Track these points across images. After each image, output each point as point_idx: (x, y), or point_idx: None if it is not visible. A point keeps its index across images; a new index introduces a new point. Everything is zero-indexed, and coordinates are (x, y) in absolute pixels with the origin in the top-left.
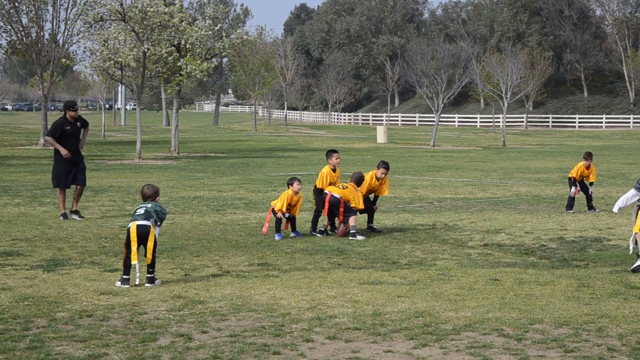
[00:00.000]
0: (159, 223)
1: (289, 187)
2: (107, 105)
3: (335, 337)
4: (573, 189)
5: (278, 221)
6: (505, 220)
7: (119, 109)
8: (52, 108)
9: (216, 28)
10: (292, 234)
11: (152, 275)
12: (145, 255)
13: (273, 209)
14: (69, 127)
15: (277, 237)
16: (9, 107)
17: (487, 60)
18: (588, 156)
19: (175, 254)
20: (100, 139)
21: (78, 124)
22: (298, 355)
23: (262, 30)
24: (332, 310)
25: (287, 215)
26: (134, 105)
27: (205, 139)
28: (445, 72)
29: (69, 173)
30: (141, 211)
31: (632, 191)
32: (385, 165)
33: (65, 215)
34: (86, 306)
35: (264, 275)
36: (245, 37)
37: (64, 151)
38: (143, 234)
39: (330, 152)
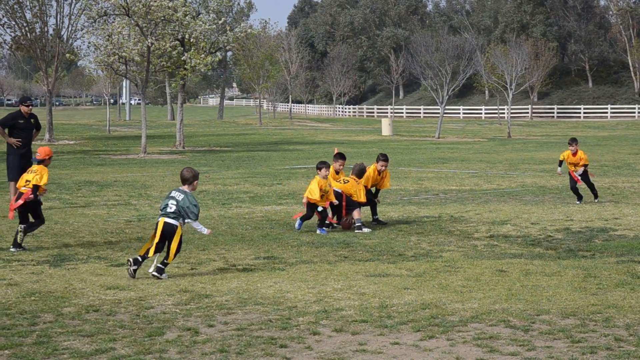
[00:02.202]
0: (189, 219)
1: (317, 172)
2: (111, 100)
3: (342, 330)
4: (559, 169)
5: (323, 214)
6: (511, 211)
7: (123, 103)
8: (57, 103)
9: (220, 22)
10: (318, 231)
11: (163, 267)
12: (167, 252)
13: (309, 202)
14: (22, 121)
15: (320, 231)
16: (14, 102)
17: (491, 52)
18: (572, 142)
19: (181, 248)
20: (105, 133)
21: (32, 120)
22: (305, 348)
23: (266, 23)
24: (338, 302)
25: (335, 202)
26: (139, 99)
27: (210, 132)
28: (449, 63)
29: (21, 166)
30: (172, 208)
31: None
32: (384, 158)
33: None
34: (93, 301)
35: (270, 268)
36: (249, 30)
37: (11, 140)
38: (169, 233)
39: (336, 157)
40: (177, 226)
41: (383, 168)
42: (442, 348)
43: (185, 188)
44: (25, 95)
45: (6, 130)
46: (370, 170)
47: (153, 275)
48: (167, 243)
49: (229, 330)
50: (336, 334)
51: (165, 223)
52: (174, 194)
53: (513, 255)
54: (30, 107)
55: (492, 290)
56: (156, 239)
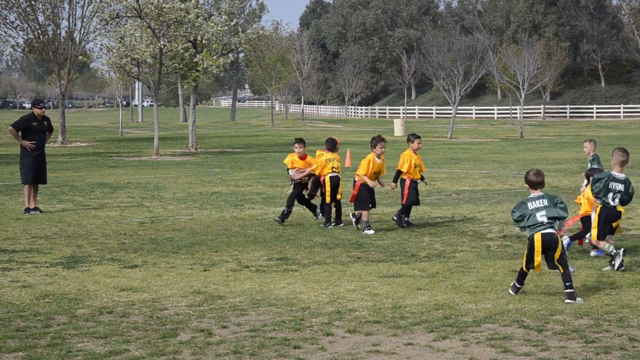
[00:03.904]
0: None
1: (372, 149)
2: (124, 102)
3: (355, 331)
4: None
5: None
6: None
7: (136, 105)
8: (70, 106)
9: (232, 23)
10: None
11: (572, 291)
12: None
13: (360, 183)
14: (35, 124)
15: (367, 232)
16: (27, 105)
17: (503, 52)
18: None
19: (194, 249)
20: (117, 135)
21: (45, 123)
22: (318, 349)
23: (277, 25)
24: (351, 303)
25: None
26: (151, 101)
27: (223, 134)
28: (461, 64)
29: (35, 168)
30: (543, 219)
31: None
32: (382, 139)
33: (29, 210)
34: (106, 303)
35: (284, 269)
36: (261, 32)
37: (25, 143)
38: (551, 243)
39: (375, 140)
40: (555, 234)
41: (382, 150)
42: (456, 348)
43: (539, 192)
44: (38, 97)
45: (20, 133)
46: (366, 161)
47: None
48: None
49: (242, 331)
50: (350, 335)
51: (544, 234)
52: (537, 206)
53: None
54: (44, 109)
55: (506, 291)
56: (538, 257)
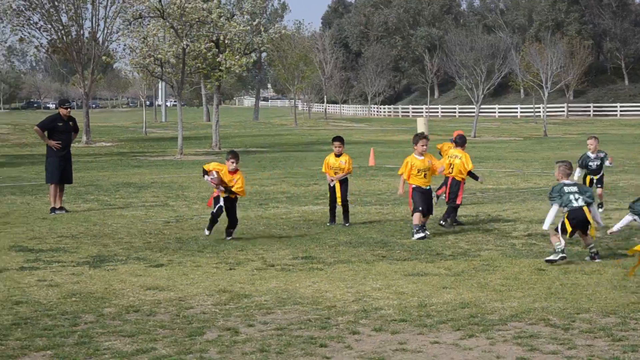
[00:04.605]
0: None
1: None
2: (147, 102)
3: (381, 329)
4: None
5: (419, 205)
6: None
7: (159, 105)
8: (94, 106)
9: (254, 23)
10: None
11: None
12: None
13: (412, 187)
14: (61, 124)
15: (418, 236)
16: (51, 106)
17: (526, 50)
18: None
19: (219, 248)
20: (141, 135)
21: (71, 123)
22: (345, 348)
23: (300, 24)
24: (377, 302)
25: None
26: (174, 101)
27: (246, 133)
28: (484, 62)
29: (61, 168)
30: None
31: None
32: (424, 136)
33: (55, 209)
34: (133, 301)
35: (309, 268)
36: (283, 31)
37: (51, 143)
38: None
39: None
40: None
41: (425, 147)
42: (482, 347)
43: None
44: (64, 98)
45: (45, 133)
46: (409, 160)
47: None
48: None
49: (268, 330)
50: (376, 333)
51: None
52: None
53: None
54: (69, 109)
55: (532, 289)
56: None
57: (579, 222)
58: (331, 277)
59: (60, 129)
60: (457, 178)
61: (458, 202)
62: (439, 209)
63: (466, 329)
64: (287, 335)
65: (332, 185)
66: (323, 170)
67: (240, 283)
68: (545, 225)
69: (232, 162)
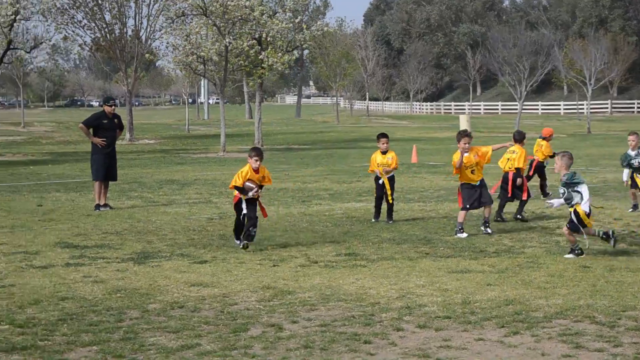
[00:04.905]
0: None
1: (458, 141)
2: (190, 100)
3: (425, 326)
4: None
5: (467, 201)
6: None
7: (201, 103)
8: (136, 104)
9: (296, 20)
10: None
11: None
12: None
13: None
14: (106, 121)
15: (460, 235)
16: (94, 104)
17: (569, 47)
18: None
19: (262, 245)
20: (184, 133)
21: (116, 120)
22: (389, 344)
23: (342, 21)
24: (421, 299)
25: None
26: (217, 99)
27: (288, 131)
28: (527, 59)
29: (106, 166)
30: None
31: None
32: (467, 134)
33: (99, 206)
34: (177, 297)
35: (352, 265)
36: (325, 28)
37: (96, 140)
38: None
39: (460, 135)
40: None
41: (467, 145)
42: (527, 344)
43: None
44: (108, 95)
45: (91, 131)
46: (456, 156)
47: None
48: None
49: (312, 326)
50: (420, 330)
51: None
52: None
53: (596, 251)
54: (114, 107)
55: (576, 287)
56: None
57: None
58: (375, 274)
59: (105, 127)
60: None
61: (524, 197)
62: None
63: (511, 326)
64: (331, 332)
65: (380, 182)
66: (370, 169)
67: (283, 279)
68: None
69: (257, 160)
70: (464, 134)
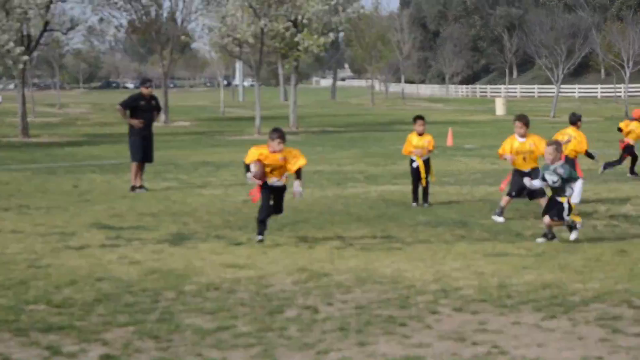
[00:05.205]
0: None
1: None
2: (225, 82)
3: (461, 309)
4: None
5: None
6: (630, 191)
7: (236, 85)
8: (172, 86)
9: (332, 3)
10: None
11: None
12: None
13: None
14: (143, 103)
15: (497, 219)
16: (130, 86)
17: (607, 30)
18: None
19: (298, 227)
20: (219, 115)
21: (153, 102)
22: (425, 327)
23: (377, 4)
24: (457, 282)
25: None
26: (252, 81)
27: (323, 113)
28: (564, 42)
29: (143, 147)
30: None
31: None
32: (523, 120)
33: (135, 188)
34: (213, 279)
35: (388, 247)
36: (361, 11)
37: (133, 121)
38: None
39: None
40: None
41: (523, 130)
42: (564, 328)
43: None
44: (145, 77)
45: (128, 112)
46: (508, 142)
47: None
48: None
49: (348, 308)
50: (456, 313)
51: None
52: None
53: (634, 235)
54: (151, 88)
55: (614, 271)
56: None
57: None
58: (410, 257)
59: (142, 108)
60: (570, 156)
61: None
62: None
63: (547, 310)
64: (367, 314)
65: (415, 166)
66: (405, 151)
67: (319, 262)
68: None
69: (279, 143)
70: (518, 117)
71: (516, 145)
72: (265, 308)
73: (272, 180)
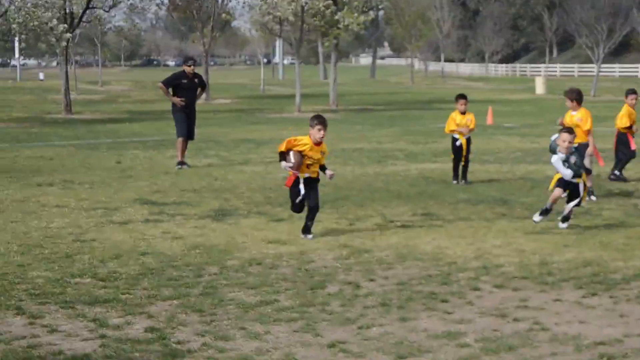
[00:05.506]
0: None
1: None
2: (265, 60)
3: (502, 286)
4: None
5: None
6: None
7: (276, 63)
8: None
9: None
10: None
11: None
12: None
13: None
14: (185, 81)
15: (589, 198)
16: (170, 63)
17: None
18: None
19: (339, 204)
20: (259, 93)
21: (196, 80)
22: (466, 304)
23: None
24: (498, 259)
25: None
26: (292, 59)
27: (363, 91)
28: (605, 21)
29: (187, 124)
30: None
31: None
32: (567, 95)
33: (181, 164)
34: (255, 255)
35: (428, 225)
36: None
37: (175, 100)
38: None
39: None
40: None
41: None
42: (605, 305)
43: None
44: (187, 55)
45: (170, 90)
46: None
47: None
48: None
49: (389, 284)
50: (497, 290)
51: None
52: None
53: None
54: (193, 66)
55: None
56: None
57: None
58: (451, 234)
59: (184, 86)
60: (622, 130)
61: (632, 147)
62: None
63: (588, 287)
64: (408, 290)
65: (458, 144)
66: (447, 129)
67: (360, 238)
68: None
69: (320, 129)
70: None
71: (568, 119)
72: (307, 283)
73: (305, 175)
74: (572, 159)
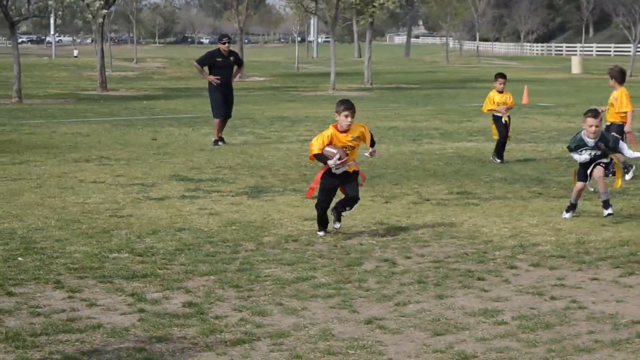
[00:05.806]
0: None
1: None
2: (299, 38)
3: (539, 265)
4: None
5: None
6: None
7: (311, 41)
8: (246, 41)
9: None
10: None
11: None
12: None
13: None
14: (220, 59)
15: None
16: (205, 41)
17: None
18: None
19: (374, 182)
20: (293, 71)
21: (232, 58)
22: (503, 282)
23: None
24: (534, 238)
25: None
26: (326, 37)
27: (397, 70)
28: None
29: (224, 102)
30: None
31: None
32: (609, 73)
33: (218, 142)
34: (291, 231)
35: (464, 203)
36: None
37: (210, 78)
38: None
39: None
40: None
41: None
42: None
43: None
44: (222, 33)
45: (205, 69)
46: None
47: None
48: None
49: (425, 262)
50: (533, 269)
51: None
52: None
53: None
54: (228, 44)
55: None
56: None
57: None
58: (487, 213)
59: (219, 65)
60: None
61: None
62: None
63: (626, 266)
64: (444, 268)
65: (503, 122)
66: (485, 109)
67: (396, 216)
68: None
69: (347, 116)
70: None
71: (610, 97)
72: (343, 260)
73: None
74: (602, 145)
